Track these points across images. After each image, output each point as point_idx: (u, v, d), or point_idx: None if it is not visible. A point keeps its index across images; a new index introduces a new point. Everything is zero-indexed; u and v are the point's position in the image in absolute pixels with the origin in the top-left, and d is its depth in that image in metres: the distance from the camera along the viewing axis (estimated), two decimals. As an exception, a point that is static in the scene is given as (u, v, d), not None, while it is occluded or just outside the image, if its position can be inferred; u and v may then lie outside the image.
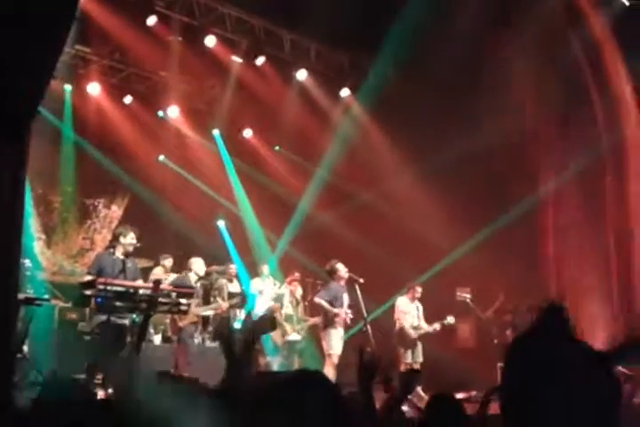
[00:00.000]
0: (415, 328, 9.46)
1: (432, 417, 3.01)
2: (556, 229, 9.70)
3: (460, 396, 7.63)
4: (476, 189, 9.89)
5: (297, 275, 10.39)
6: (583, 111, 8.84)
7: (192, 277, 8.45)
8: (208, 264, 10.35)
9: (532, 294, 10.34)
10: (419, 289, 9.61)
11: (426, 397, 8.63)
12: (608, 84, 8.57)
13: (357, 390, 2.78)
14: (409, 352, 9.33)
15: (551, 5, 8.39)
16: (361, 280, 8.66)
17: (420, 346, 9.40)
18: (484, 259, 9.62)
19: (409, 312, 9.55)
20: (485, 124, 8.81)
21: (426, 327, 9.44)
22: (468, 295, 10.40)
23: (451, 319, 9.53)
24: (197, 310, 8.66)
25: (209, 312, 9.28)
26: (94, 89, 10.56)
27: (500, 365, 7.37)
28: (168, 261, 9.47)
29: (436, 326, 9.47)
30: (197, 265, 8.84)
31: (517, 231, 9.51)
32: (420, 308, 9.64)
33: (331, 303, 8.50)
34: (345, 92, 11.07)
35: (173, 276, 8.81)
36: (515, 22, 8.44)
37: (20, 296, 6.44)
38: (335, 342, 8.37)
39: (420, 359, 9.30)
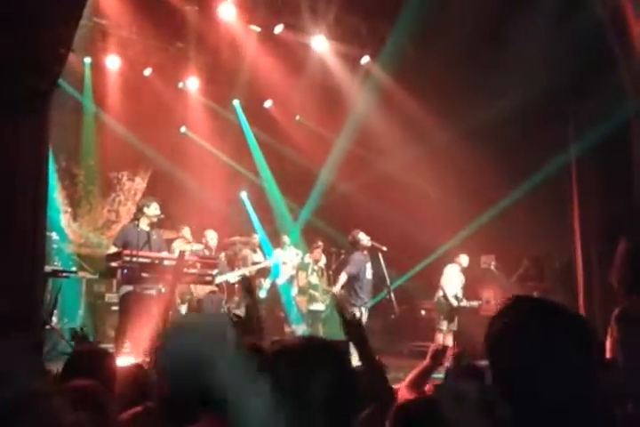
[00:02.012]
0: (457, 298, 9.53)
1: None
2: (580, 194, 9.57)
3: (483, 364, 7.72)
4: (498, 155, 9.76)
5: (320, 243, 10.42)
6: (607, 77, 8.62)
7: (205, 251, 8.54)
8: (231, 235, 10.44)
9: (557, 260, 10.32)
10: (463, 257, 9.67)
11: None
12: (634, 48, 8.32)
13: (356, 349, 2.79)
14: (446, 320, 9.43)
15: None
16: (384, 248, 8.67)
17: (456, 316, 9.51)
18: (509, 225, 9.56)
19: (454, 281, 9.62)
20: (508, 91, 8.65)
21: (465, 302, 9.55)
22: (493, 262, 10.39)
23: (485, 300, 9.79)
24: (222, 276, 8.73)
25: (233, 279, 9.36)
26: (113, 61, 10.56)
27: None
28: (185, 231, 9.53)
29: (475, 303, 9.61)
30: (210, 237, 8.90)
31: (542, 197, 9.41)
32: (463, 278, 9.71)
33: (357, 276, 8.49)
34: (365, 60, 10.92)
35: (198, 246, 8.89)
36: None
37: (48, 269, 6.57)
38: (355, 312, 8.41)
39: (455, 328, 9.42)
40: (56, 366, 3.24)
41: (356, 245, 8.63)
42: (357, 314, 8.18)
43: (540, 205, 9.42)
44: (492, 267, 10.32)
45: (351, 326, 2.80)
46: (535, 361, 1.26)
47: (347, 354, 1.61)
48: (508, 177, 9.64)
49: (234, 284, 9.44)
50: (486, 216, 10.16)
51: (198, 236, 9.25)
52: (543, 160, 9.46)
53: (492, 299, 10.58)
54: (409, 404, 2.43)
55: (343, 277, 8.46)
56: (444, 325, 9.42)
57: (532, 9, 8.13)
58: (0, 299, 4.43)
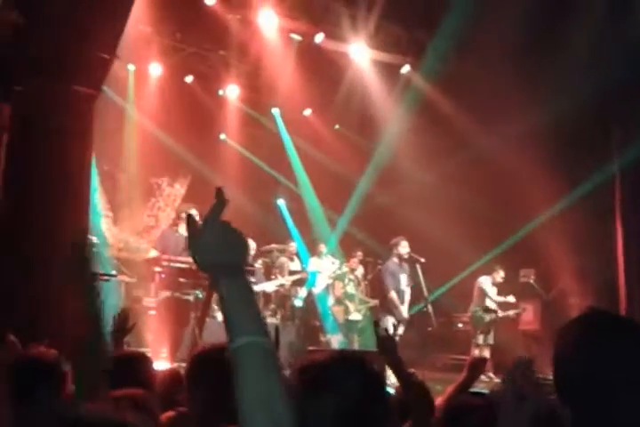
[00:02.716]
0: (490, 311, 9.39)
1: None
2: (624, 208, 9.36)
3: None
4: (541, 167, 9.58)
5: (359, 254, 10.36)
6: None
7: None
8: (268, 242, 10.42)
9: (599, 275, 10.09)
10: (501, 272, 9.55)
11: (496, 379, 8.58)
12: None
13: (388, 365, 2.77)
14: (482, 335, 9.29)
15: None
16: (422, 260, 8.54)
17: (492, 329, 9.36)
18: (550, 238, 9.37)
19: (488, 294, 9.49)
20: (551, 100, 8.50)
21: (499, 313, 9.40)
22: (532, 276, 10.19)
23: (522, 308, 9.64)
24: (260, 286, 8.73)
25: (271, 288, 9.36)
26: (156, 68, 10.69)
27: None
28: None
29: (510, 312, 9.45)
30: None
31: (584, 210, 9.21)
32: (495, 291, 9.59)
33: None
34: (405, 69, 10.86)
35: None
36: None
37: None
38: (389, 324, 8.30)
39: (491, 342, 9.27)
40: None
41: (393, 248, 8.54)
42: (391, 326, 8.12)
43: (582, 218, 9.22)
44: (532, 281, 10.12)
45: (382, 341, 2.78)
46: (607, 376, 1.19)
47: (372, 369, 1.54)
48: (550, 189, 9.46)
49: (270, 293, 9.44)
50: (527, 228, 9.99)
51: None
52: (587, 172, 9.29)
53: (531, 313, 10.38)
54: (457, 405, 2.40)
55: (394, 296, 8.30)
56: (480, 339, 9.28)
57: (578, 16, 7.97)
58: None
